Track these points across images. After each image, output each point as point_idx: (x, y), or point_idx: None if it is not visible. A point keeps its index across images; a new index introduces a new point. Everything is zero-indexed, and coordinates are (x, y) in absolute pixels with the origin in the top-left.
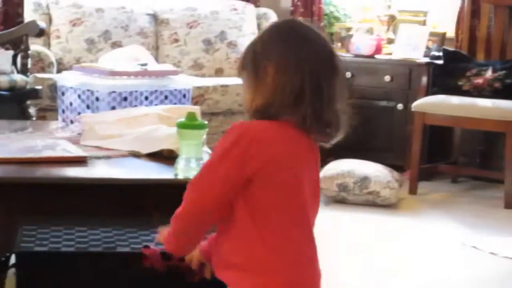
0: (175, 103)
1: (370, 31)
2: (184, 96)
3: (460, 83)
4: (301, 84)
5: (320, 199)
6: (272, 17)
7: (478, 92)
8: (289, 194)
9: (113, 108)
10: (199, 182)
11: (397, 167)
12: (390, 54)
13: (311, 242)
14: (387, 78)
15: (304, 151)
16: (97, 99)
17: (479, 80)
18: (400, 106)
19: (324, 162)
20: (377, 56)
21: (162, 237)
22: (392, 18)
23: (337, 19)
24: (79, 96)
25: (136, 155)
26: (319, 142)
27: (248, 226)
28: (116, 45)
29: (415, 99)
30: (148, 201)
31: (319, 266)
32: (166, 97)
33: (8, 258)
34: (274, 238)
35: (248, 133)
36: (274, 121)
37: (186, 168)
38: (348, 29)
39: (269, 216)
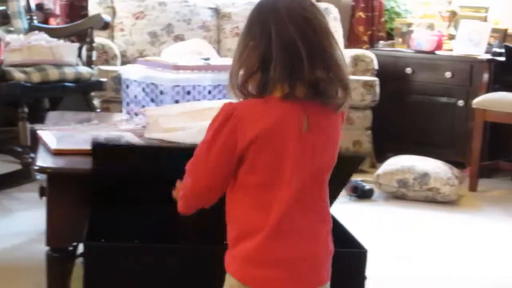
0: None
1: (431, 27)
2: None
3: None
4: (267, 47)
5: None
6: (333, 12)
7: None
8: (271, 173)
9: (177, 101)
10: (194, 165)
11: (458, 164)
12: (451, 50)
13: (313, 215)
14: (448, 74)
15: (293, 125)
16: (161, 92)
17: None
18: (460, 102)
19: (384, 158)
20: (437, 52)
21: (176, 194)
22: (453, 14)
23: (398, 14)
24: (143, 89)
25: None
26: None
27: (235, 206)
28: (178, 38)
29: (476, 96)
30: None
31: (324, 240)
32: None
33: (75, 248)
34: (257, 214)
35: (235, 113)
36: (261, 99)
37: None
38: (409, 25)
39: (254, 195)
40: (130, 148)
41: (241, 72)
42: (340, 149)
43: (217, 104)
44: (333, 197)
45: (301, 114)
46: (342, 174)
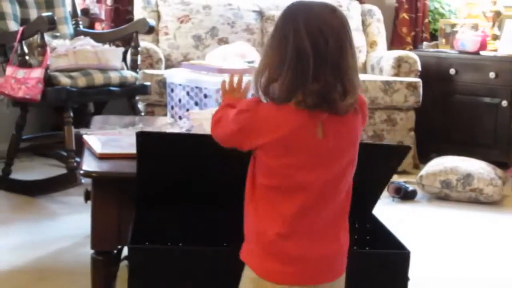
0: None
1: (475, 27)
2: None
3: None
4: (283, 54)
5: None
6: (377, 14)
7: None
8: (287, 179)
9: None
10: (217, 125)
11: (501, 164)
12: (495, 50)
13: (329, 217)
14: (491, 74)
15: (307, 133)
16: (205, 96)
17: None
18: (504, 103)
19: (427, 159)
20: (482, 53)
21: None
22: (497, 14)
23: (442, 15)
24: (187, 93)
25: None
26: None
27: (253, 205)
28: (222, 41)
29: None
30: None
31: (339, 241)
32: None
33: (120, 251)
34: (272, 214)
35: (256, 110)
36: (278, 105)
37: None
38: (453, 26)
39: (270, 197)
40: (176, 136)
41: (266, 74)
42: (384, 142)
43: None
44: (379, 189)
45: (316, 121)
46: (388, 167)
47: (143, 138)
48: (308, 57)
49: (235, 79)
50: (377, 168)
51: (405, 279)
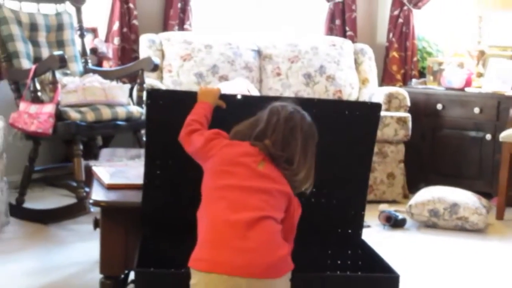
0: None
1: (461, 65)
2: None
3: None
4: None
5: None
6: (369, 52)
7: None
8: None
9: None
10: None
11: (485, 194)
12: (480, 87)
13: (257, 227)
14: (476, 110)
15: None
16: None
17: None
18: (488, 136)
19: (416, 189)
20: (467, 89)
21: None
22: (482, 53)
23: (430, 54)
24: None
25: None
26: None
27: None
28: (223, 78)
29: (503, 130)
30: None
31: (273, 251)
32: None
33: (127, 275)
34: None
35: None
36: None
37: None
38: (440, 63)
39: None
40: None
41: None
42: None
43: None
44: (368, 161)
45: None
46: (363, 131)
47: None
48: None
49: (213, 88)
50: (355, 134)
51: None
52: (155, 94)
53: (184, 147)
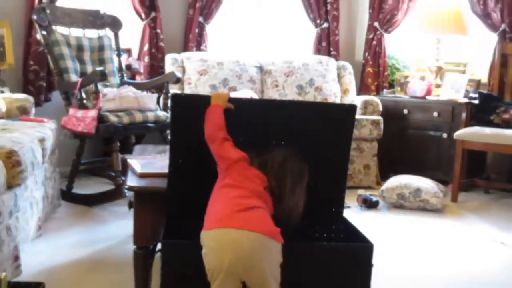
0: None
1: (422, 78)
2: None
3: (491, 117)
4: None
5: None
6: (349, 68)
7: (506, 124)
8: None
9: None
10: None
11: (443, 181)
12: (438, 95)
13: (254, 210)
14: (435, 114)
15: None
16: None
17: (507, 115)
18: (445, 135)
19: (387, 177)
20: (428, 97)
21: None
22: (439, 68)
23: (398, 69)
24: None
25: None
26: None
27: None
28: (232, 89)
29: (457, 130)
30: None
31: (267, 223)
32: None
33: (155, 246)
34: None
35: None
36: None
37: None
38: (406, 77)
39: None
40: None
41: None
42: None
43: None
44: (347, 154)
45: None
46: (344, 128)
47: (176, 98)
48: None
49: (223, 92)
50: (333, 131)
51: (370, 265)
52: (177, 98)
53: (211, 146)
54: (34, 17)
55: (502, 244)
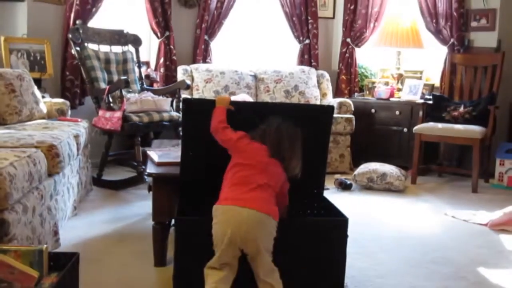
0: None
1: (386, 83)
2: None
3: (443, 115)
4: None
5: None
6: (326, 76)
7: (455, 120)
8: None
9: None
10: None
11: (404, 167)
12: (399, 97)
13: (259, 189)
14: (397, 112)
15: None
16: None
17: (455, 113)
18: (405, 129)
19: (358, 164)
20: (391, 99)
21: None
22: (400, 75)
23: (366, 76)
24: None
25: None
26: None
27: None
28: (232, 94)
29: (415, 125)
30: None
31: (258, 202)
32: None
33: (170, 222)
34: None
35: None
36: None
37: None
38: (373, 83)
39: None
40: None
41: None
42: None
43: None
44: (326, 144)
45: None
46: (323, 124)
47: (187, 103)
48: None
49: (225, 96)
50: (315, 127)
51: (345, 236)
52: (188, 101)
53: (216, 136)
54: (70, 36)
55: (452, 217)
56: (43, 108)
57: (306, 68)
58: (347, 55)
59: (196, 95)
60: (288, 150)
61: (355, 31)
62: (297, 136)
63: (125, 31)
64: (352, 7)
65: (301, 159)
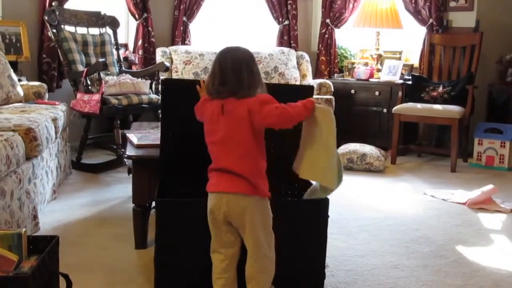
0: None
1: (366, 64)
2: None
3: (422, 95)
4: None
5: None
6: (306, 57)
7: (434, 100)
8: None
9: None
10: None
11: (383, 148)
12: (379, 78)
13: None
14: (377, 93)
15: (217, 110)
16: None
17: (434, 93)
18: (385, 110)
19: (339, 145)
20: (370, 80)
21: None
22: (379, 56)
23: (346, 57)
24: None
25: None
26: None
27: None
28: None
29: (394, 105)
30: None
31: (244, 167)
32: None
33: (150, 204)
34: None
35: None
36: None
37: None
38: (353, 63)
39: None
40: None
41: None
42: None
43: None
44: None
45: (220, 104)
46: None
47: (167, 83)
48: (220, 74)
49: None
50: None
51: (326, 216)
52: (167, 82)
53: (198, 118)
54: (46, 17)
55: (432, 196)
56: (20, 91)
57: (285, 49)
58: (326, 36)
59: (175, 77)
60: (243, 80)
61: (334, 12)
62: (252, 59)
63: (102, 13)
64: None
65: (259, 82)
